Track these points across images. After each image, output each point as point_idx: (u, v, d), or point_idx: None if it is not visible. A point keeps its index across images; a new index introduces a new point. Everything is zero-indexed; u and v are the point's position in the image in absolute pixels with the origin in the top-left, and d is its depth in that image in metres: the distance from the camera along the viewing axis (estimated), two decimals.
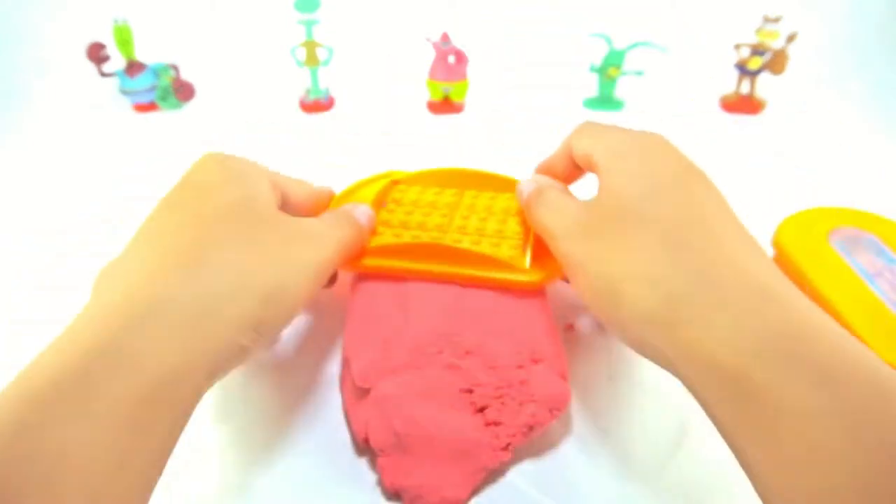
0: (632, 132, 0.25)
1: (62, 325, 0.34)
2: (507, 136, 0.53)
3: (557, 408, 0.25)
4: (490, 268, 0.28)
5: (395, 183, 0.34)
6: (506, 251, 0.29)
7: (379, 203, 0.32)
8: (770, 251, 0.35)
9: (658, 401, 0.28)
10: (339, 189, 0.33)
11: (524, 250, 0.29)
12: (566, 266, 0.24)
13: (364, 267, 0.29)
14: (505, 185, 0.33)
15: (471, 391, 0.25)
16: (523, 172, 0.45)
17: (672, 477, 0.26)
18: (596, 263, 0.22)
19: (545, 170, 0.29)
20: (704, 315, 0.19)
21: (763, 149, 0.52)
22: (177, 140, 0.53)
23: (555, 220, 0.25)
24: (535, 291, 0.28)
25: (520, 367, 0.25)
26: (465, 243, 0.29)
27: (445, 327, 0.26)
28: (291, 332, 0.32)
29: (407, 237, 0.30)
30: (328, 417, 0.28)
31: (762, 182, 0.47)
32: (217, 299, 0.20)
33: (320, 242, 0.25)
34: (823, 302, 0.30)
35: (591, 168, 0.25)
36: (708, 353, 0.18)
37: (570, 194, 0.27)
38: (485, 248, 0.29)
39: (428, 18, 0.63)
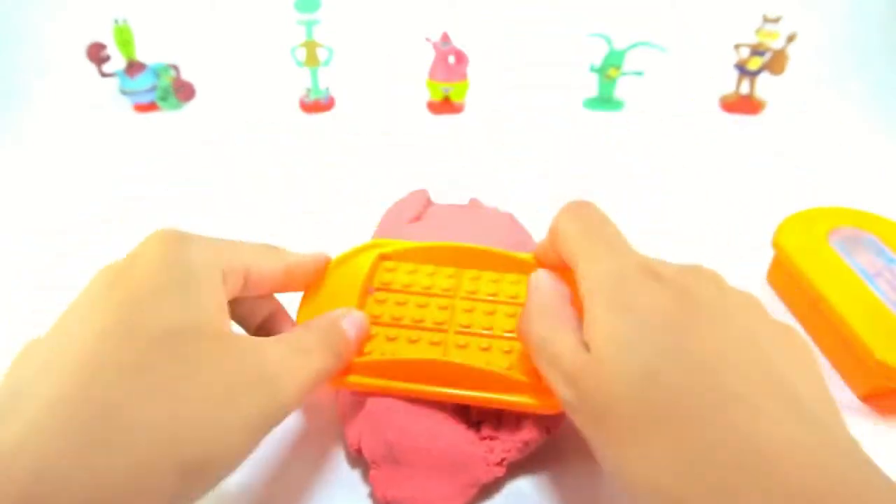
0: (615, 255, 0.20)
1: None
2: (507, 136, 0.53)
3: (554, 426, 0.25)
4: (503, 390, 0.23)
5: (383, 258, 0.28)
6: (520, 361, 0.24)
7: (366, 290, 0.27)
8: (769, 251, 0.35)
9: None
10: (337, 190, 0.33)
11: None
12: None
13: (349, 385, 0.24)
14: (507, 263, 0.28)
15: (467, 406, 0.24)
16: (523, 172, 0.45)
17: None
18: (601, 451, 0.19)
19: (542, 254, 0.25)
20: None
21: (763, 149, 0.52)
22: (177, 140, 0.53)
23: (558, 391, 0.20)
24: None
25: None
26: (473, 349, 0.25)
27: None
28: None
29: (402, 348, 0.25)
30: (323, 428, 0.28)
31: (762, 182, 0.47)
32: (126, 475, 0.16)
33: (274, 385, 0.19)
34: (823, 302, 0.30)
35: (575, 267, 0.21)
36: None
37: (574, 342, 0.20)
38: (496, 357, 0.25)
39: (428, 18, 0.63)
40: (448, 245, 0.29)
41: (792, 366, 0.18)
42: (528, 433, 0.24)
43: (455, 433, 0.24)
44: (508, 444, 0.24)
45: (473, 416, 0.24)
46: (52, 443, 0.15)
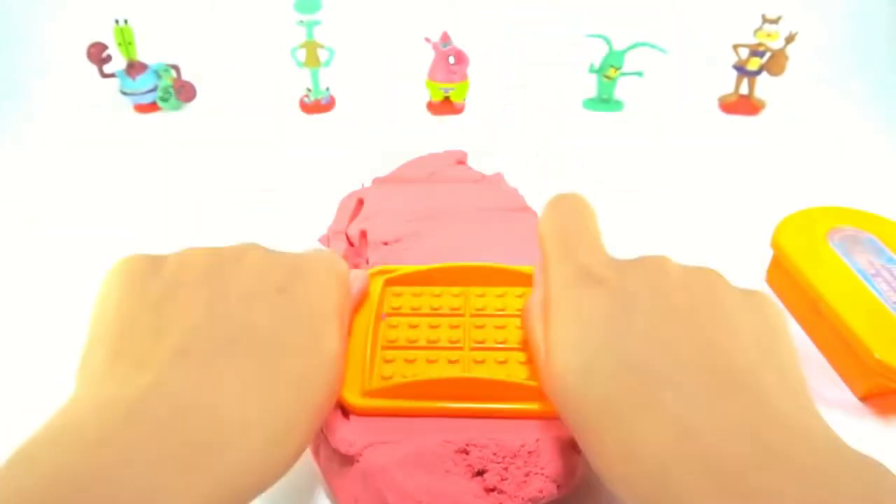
0: (570, 261, 0.22)
1: (61, 326, 0.34)
2: (507, 136, 0.53)
3: (566, 484, 0.23)
4: (524, 399, 0.24)
5: (389, 284, 0.29)
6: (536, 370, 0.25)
7: (378, 316, 0.28)
8: (768, 251, 0.35)
9: None
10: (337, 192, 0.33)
11: None
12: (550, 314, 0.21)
13: (375, 410, 0.25)
14: (510, 278, 0.29)
15: (466, 452, 0.23)
16: (523, 172, 0.45)
17: None
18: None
19: None
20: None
21: (762, 150, 0.52)
22: (178, 141, 0.53)
23: (564, 253, 0.22)
24: None
25: (522, 445, 0.24)
26: (490, 363, 0.26)
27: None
28: None
29: (422, 369, 0.26)
30: (303, 485, 0.26)
31: (761, 183, 0.47)
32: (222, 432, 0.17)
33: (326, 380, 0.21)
34: (822, 302, 0.30)
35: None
36: None
37: None
38: (513, 369, 0.26)
39: (428, 18, 0.63)
40: (450, 266, 0.30)
41: (752, 333, 0.19)
42: (539, 493, 0.23)
43: (458, 486, 0.23)
44: (517, 500, 0.23)
45: (476, 465, 0.23)
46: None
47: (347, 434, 0.24)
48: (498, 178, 0.43)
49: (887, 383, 0.28)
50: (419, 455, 0.23)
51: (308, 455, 0.26)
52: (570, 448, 0.24)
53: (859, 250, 0.33)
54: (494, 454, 0.23)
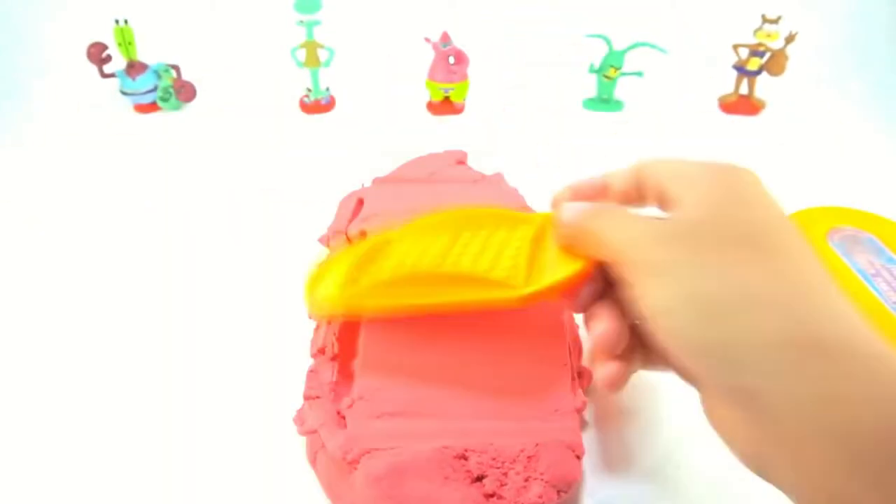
0: (723, 164, 0.22)
1: (61, 325, 0.34)
2: (507, 136, 0.53)
3: (565, 489, 0.23)
4: (481, 288, 0.24)
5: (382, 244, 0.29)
6: (501, 271, 0.25)
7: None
8: None
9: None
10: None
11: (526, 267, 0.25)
12: (640, 275, 0.20)
13: (355, 308, 0.25)
14: (500, 219, 0.28)
15: (465, 457, 0.23)
16: (523, 173, 0.45)
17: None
18: (692, 274, 0.18)
19: (597, 189, 0.25)
20: (827, 374, 0.16)
21: (762, 149, 0.52)
22: (178, 141, 0.53)
23: (631, 229, 0.21)
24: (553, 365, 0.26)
25: (522, 450, 0.24)
26: (463, 266, 0.25)
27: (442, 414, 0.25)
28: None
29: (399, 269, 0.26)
30: (300, 493, 0.26)
31: None
32: None
33: None
34: None
35: (659, 194, 0.22)
36: (833, 415, 0.16)
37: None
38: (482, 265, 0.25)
39: (428, 18, 0.63)
40: (444, 214, 0.29)
41: None
42: (539, 499, 0.23)
43: (457, 492, 0.23)
44: None
45: (475, 470, 0.23)
46: None
47: (345, 440, 0.24)
48: (498, 178, 0.43)
49: None
50: (417, 461, 0.23)
51: (305, 462, 0.26)
52: (569, 453, 0.24)
53: (859, 250, 0.33)
54: (493, 459, 0.23)
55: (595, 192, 0.25)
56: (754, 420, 0.18)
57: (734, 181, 0.21)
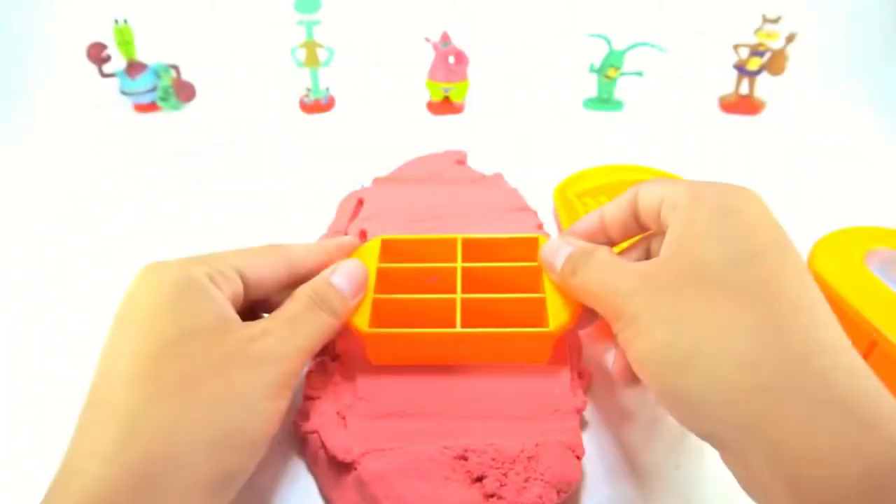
0: (716, 183, 0.22)
1: (61, 326, 0.34)
2: (507, 136, 0.53)
3: (565, 490, 0.23)
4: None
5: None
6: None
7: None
8: None
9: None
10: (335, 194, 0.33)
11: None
12: (622, 326, 0.21)
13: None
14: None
15: (465, 458, 0.23)
16: (523, 173, 0.45)
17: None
18: (665, 326, 0.19)
19: (592, 225, 0.26)
20: (800, 423, 0.16)
21: (762, 150, 0.52)
22: (177, 141, 0.53)
23: (611, 279, 0.22)
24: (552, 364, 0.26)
25: (522, 450, 0.23)
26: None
27: (439, 407, 0.25)
28: None
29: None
30: (299, 494, 0.25)
31: (761, 183, 0.46)
32: (161, 465, 0.18)
33: (272, 359, 0.22)
34: (877, 333, 0.28)
35: (657, 222, 0.23)
36: (795, 468, 0.16)
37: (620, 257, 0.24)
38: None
39: (428, 18, 0.63)
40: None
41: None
42: (539, 499, 0.22)
43: (456, 494, 0.22)
44: None
45: (475, 471, 0.23)
46: (89, 448, 0.18)
47: (345, 440, 0.24)
48: (498, 178, 0.43)
49: None
50: (417, 462, 0.23)
51: (305, 463, 0.26)
52: (569, 453, 0.24)
53: None
54: (493, 460, 0.23)
55: (591, 233, 0.26)
56: (731, 462, 0.18)
57: (728, 210, 0.21)
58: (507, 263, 0.28)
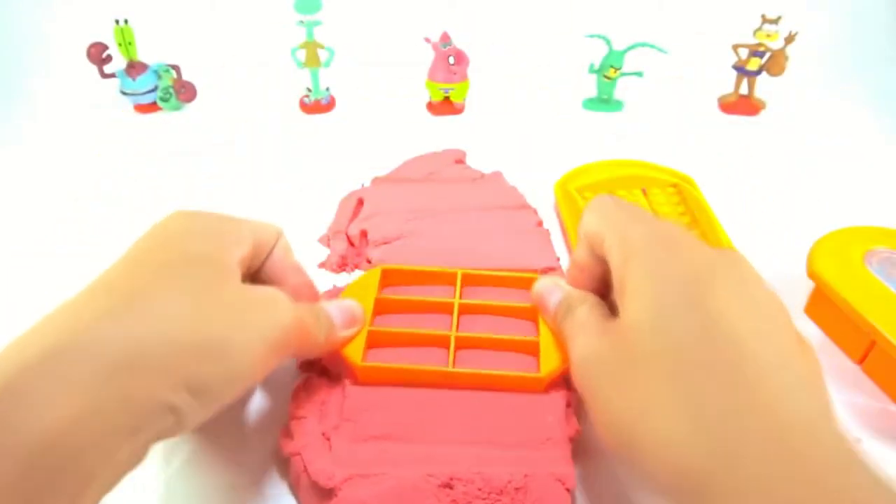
0: (645, 221, 0.22)
1: None
2: (507, 136, 0.53)
3: None
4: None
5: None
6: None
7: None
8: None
9: None
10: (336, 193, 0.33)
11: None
12: (584, 400, 0.21)
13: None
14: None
15: (450, 486, 0.22)
16: (523, 172, 0.45)
17: None
18: (611, 405, 0.19)
19: (575, 270, 0.26)
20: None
21: (762, 150, 0.52)
22: (178, 141, 0.53)
23: (579, 346, 0.22)
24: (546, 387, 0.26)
25: (509, 481, 0.23)
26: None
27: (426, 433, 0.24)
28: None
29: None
30: None
31: (760, 183, 0.47)
32: (142, 347, 0.18)
33: (278, 308, 0.22)
34: (878, 335, 0.28)
35: (604, 257, 0.23)
36: None
37: (601, 309, 0.24)
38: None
39: (428, 18, 0.63)
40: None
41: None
42: None
43: None
44: None
45: (460, 501, 0.22)
46: (79, 317, 0.19)
47: (327, 466, 0.23)
48: (497, 176, 0.43)
49: None
50: (400, 490, 0.22)
51: (286, 486, 0.26)
52: (559, 486, 0.23)
53: None
54: (480, 489, 0.22)
55: (577, 280, 0.26)
56: None
57: (675, 259, 0.20)
58: (504, 303, 0.29)
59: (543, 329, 0.27)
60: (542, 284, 0.27)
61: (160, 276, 0.20)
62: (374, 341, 0.27)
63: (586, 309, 0.24)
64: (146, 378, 0.18)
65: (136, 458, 0.18)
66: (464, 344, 0.27)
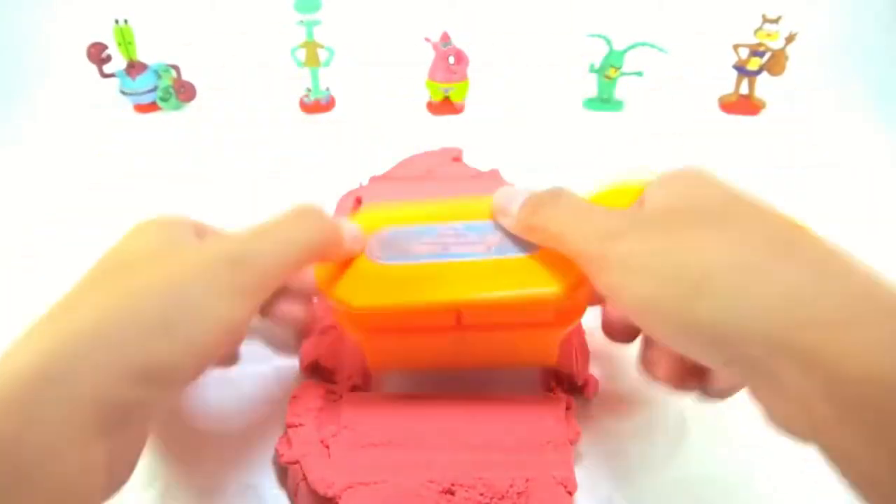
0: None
1: None
2: (507, 136, 0.53)
3: None
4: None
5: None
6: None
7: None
8: None
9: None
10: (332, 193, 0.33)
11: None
12: (606, 269, 0.19)
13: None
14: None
15: (452, 492, 0.22)
16: (523, 173, 0.45)
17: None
18: (663, 258, 0.18)
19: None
20: (831, 322, 0.15)
21: (762, 150, 0.52)
22: (178, 141, 0.53)
23: (588, 219, 0.20)
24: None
25: (511, 485, 0.23)
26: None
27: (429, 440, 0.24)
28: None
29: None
30: None
31: (760, 183, 0.46)
32: (80, 344, 0.17)
33: (224, 257, 0.20)
34: None
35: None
36: (830, 368, 0.15)
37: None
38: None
39: (428, 18, 0.63)
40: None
41: None
42: None
43: None
44: None
45: None
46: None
47: (327, 474, 0.23)
48: (494, 173, 0.43)
49: None
50: (402, 497, 0.22)
51: (284, 495, 0.26)
52: (561, 489, 0.23)
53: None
54: (482, 495, 0.22)
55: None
56: (759, 384, 0.17)
57: (685, 174, 0.22)
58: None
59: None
60: (506, 189, 0.25)
61: (104, 271, 0.21)
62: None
63: (577, 197, 0.22)
64: (87, 383, 0.17)
65: (122, 459, 0.18)
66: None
